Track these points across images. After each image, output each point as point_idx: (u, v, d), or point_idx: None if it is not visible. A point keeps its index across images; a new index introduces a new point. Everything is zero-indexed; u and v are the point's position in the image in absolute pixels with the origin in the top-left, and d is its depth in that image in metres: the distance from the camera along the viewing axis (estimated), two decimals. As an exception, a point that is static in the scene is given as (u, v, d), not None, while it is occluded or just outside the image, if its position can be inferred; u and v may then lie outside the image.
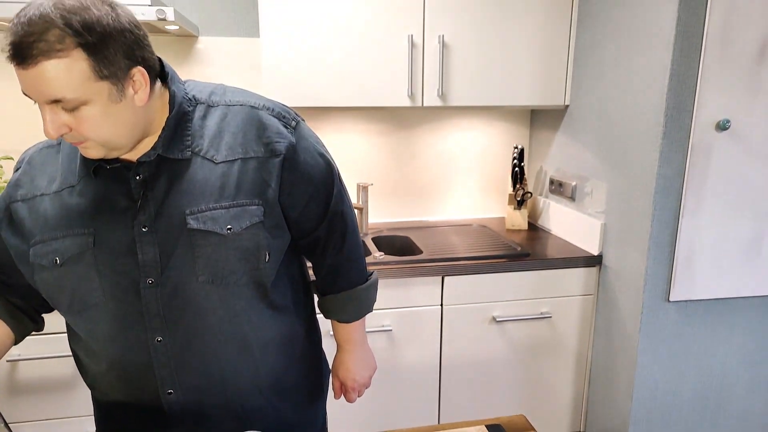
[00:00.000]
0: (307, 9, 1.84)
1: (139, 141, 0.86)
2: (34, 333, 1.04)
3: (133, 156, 0.88)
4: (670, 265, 1.68)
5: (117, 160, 0.88)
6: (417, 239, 2.10)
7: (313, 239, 1.03)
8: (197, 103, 0.92)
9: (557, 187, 2.19)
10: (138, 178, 0.87)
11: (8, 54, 0.72)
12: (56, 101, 0.75)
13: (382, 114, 2.31)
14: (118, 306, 0.89)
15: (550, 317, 1.94)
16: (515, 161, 2.26)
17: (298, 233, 1.01)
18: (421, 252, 1.95)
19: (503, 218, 2.47)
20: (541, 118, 2.34)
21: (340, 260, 1.07)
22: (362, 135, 2.31)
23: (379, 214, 2.40)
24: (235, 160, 0.90)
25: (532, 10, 1.97)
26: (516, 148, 2.26)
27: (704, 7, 1.49)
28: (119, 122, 0.80)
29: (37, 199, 0.90)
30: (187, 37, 2.10)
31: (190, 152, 0.89)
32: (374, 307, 1.17)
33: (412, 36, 1.90)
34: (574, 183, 2.06)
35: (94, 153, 0.83)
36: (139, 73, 0.80)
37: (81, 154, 0.88)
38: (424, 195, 2.42)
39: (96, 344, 0.93)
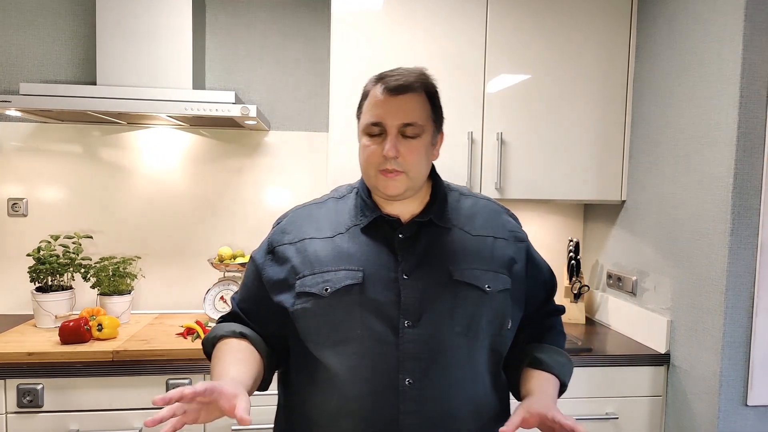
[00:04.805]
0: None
1: (415, 194, 1.02)
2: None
3: (401, 213, 1.03)
4: (746, 366, 1.61)
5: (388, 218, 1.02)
6: (473, 330, 2.07)
7: (530, 317, 1.13)
8: (450, 190, 1.10)
9: (616, 282, 2.16)
10: (400, 236, 1.01)
11: (386, 88, 0.97)
12: (406, 125, 0.96)
13: (438, 204, 2.37)
14: (375, 343, 0.95)
15: (617, 419, 1.84)
16: (571, 254, 2.26)
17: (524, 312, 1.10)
18: (478, 343, 1.91)
19: (557, 311, 2.42)
20: (595, 212, 2.36)
21: (552, 331, 1.15)
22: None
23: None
24: (488, 236, 1.05)
25: (586, 110, 2.06)
26: (571, 241, 2.27)
27: (764, 110, 1.54)
28: (426, 163, 1.01)
29: (306, 242, 1.03)
30: (259, 131, 2.27)
31: (450, 224, 1.04)
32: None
33: (471, 133, 2.01)
34: (634, 278, 2.04)
35: (396, 188, 0.98)
36: (441, 135, 1.06)
37: (350, 212, 1.04)
38: (477, 285, 2.41)
39: (344, 383, 0.95)
